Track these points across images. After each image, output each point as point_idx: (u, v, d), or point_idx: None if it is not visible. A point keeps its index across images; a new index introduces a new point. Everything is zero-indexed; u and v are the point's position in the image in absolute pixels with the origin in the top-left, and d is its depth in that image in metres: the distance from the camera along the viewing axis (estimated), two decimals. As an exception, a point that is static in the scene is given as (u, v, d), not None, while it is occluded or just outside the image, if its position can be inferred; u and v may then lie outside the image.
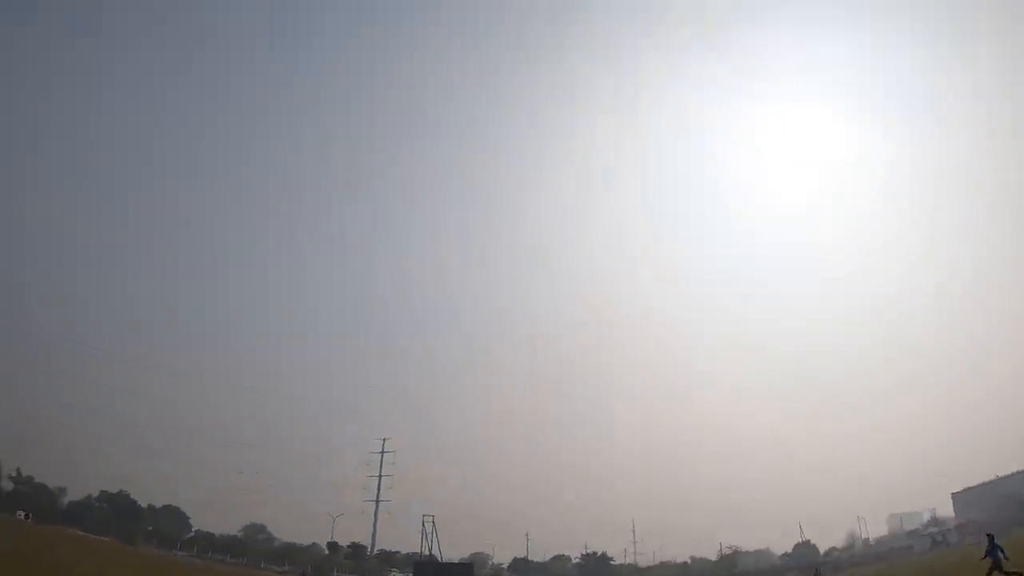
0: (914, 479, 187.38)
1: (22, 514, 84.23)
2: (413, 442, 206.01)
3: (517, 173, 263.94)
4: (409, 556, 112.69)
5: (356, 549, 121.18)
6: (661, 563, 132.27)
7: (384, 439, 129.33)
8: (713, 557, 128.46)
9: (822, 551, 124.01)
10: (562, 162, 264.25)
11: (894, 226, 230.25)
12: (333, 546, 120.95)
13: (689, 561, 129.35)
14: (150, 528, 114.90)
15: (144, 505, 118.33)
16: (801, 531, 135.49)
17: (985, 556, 24.55)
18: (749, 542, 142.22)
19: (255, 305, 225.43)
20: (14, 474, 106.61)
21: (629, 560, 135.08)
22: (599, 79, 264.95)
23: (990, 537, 25.07)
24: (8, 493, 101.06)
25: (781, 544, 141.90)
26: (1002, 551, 23.86)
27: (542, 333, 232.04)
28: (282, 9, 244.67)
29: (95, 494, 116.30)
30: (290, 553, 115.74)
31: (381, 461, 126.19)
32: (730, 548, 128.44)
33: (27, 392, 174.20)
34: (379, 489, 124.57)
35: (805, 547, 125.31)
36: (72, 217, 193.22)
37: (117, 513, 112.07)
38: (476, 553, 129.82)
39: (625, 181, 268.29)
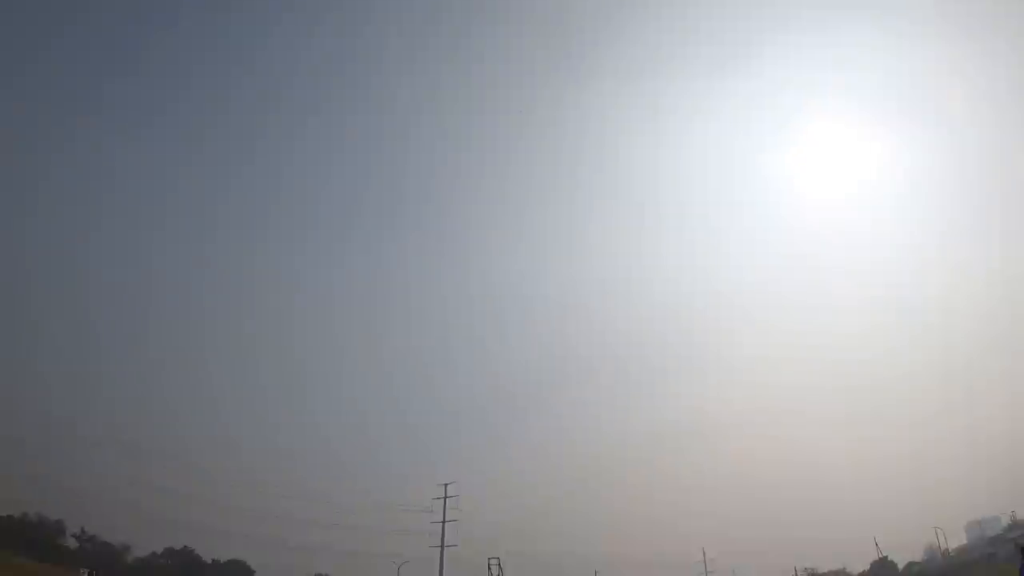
0: (990, 481, 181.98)
1: (86, 572, 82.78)
2: (476, 485, 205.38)
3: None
4: None
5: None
6: None
7: (446, 484, 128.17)
8: None
9: (900, 566, 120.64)
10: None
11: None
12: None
13: None
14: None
15: (209, 560, 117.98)
16: (878, 547, 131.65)
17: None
18: (825, 562, 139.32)
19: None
20: (78, 532, 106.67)
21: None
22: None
23: (1022, 550, 22.99)
24: (72, 551, 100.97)
25: (858, 563, 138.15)
26: None
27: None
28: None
29: (159, 550, 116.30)
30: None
31: (444, 506, 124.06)
32: (807, 571, 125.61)
33: (89, 451, 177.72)
34: (443, 534, 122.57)
35: (883, 564, 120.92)
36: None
37: (182, 569, 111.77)
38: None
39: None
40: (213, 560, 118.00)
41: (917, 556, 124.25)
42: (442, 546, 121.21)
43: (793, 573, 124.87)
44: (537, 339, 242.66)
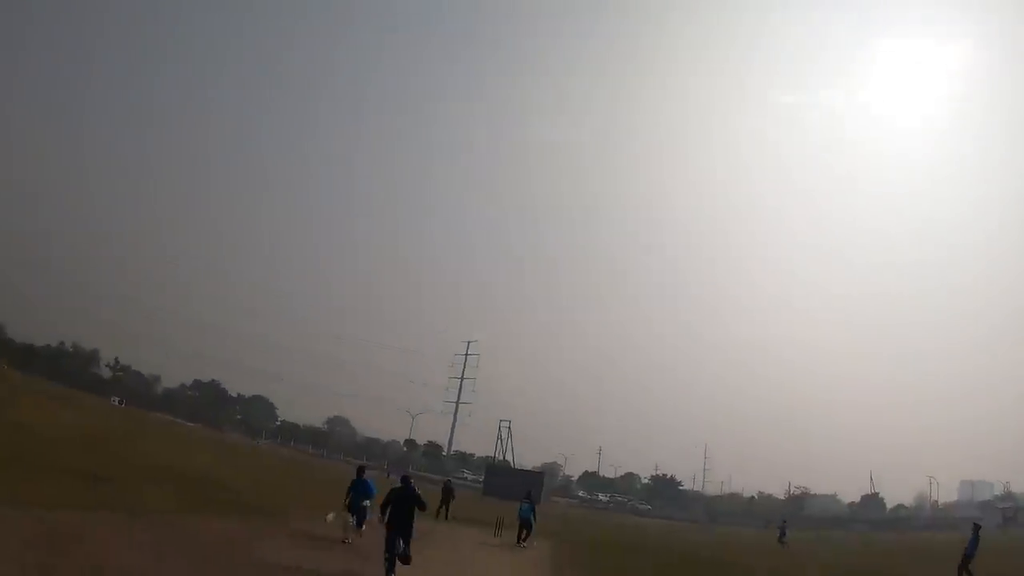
0: (991, 447, 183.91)
1: (116, 400, 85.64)
2: (496, 347, 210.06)
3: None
4: (483, 459, 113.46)
5: (433, 448, 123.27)
6: (729, 494, 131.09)
7: (469, 342, 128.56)
8: (781, 495, 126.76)
9: (889, 506, 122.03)
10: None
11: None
12: (411, 444, 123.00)
13: (756, 496, 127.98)
14: (239, 416, 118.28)
15: (234, 394, 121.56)
16: (872, 482, 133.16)
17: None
18: (818, 485, 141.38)
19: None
20: (111, 362, 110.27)
21: (697, 486, 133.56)
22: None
23: (976, 528, 20.12)
24: (106, 380, 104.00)
25: (849, 493, 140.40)
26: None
27: (620, 251, 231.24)
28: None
29: (188, 383, 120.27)
30: (370, 447, 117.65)
31: (464, 363, 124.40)
32: (799, 489, 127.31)
33: (127, 284, 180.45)
34: (460, 391, 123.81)
35: (873, 499, 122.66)
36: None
37: (208, 401, 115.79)
38: (548, 463, 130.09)
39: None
40: (238, 394, 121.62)
41: (908, 500, 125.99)
42: (457, 402, 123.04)
43: (787, 487, 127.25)
44: (572, 220, 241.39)
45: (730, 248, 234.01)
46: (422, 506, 12.12)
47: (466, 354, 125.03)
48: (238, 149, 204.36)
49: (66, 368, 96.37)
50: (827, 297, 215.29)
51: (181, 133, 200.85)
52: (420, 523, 12.88)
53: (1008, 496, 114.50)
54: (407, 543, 11.87)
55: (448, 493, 28.31)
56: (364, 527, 15.35)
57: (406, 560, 11.72)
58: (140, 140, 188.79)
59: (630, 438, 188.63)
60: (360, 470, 16.73)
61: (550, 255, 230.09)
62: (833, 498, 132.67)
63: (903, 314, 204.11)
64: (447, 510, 27.46)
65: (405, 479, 12.54)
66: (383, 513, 11.99)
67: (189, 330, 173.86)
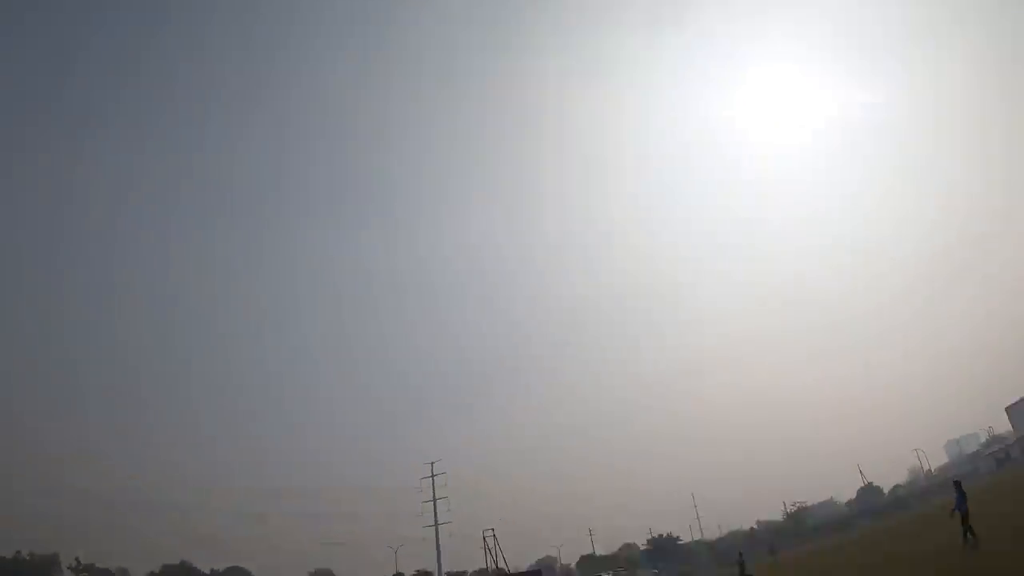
0: (965, 401, 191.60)
1: None
2: (463, 458, 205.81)
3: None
4: (477, 574, 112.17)
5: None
6: (729, 532, 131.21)
7: (432, 463, 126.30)
8: (780, 518, 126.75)
9: (886, 490, 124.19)
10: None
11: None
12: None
13: (756, 526, 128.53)
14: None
15: (207, 571, 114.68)
16: (862, 475, 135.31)
17: (954, 510, 19.31)
18: (814, 496, 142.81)
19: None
20: (73, 563, 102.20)
21: (695, 536, 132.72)
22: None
23: (957, 485, 20.31)
24: None
25: (845, 492, 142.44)
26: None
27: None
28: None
29: (156, 569, 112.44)
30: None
31: (433, 485, 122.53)
32: (795, 505, 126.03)
33: (76, 481, 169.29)
34: (435, 513, 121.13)
35: (869, 490, 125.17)
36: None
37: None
38: (542, 558, 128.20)
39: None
40: (212, 570, 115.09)
41: (901, 479, 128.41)
42: (436, 524, 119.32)
43: (782, 507, 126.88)
44: (498, 313, 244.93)
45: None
46: None
47: (432, 475, 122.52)
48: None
49: None
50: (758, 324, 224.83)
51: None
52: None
53: (994, 439, 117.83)
54: None
55: None
56: None
57: None
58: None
59: (618, 511, 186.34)
60: None
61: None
62: (831, 502, 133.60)
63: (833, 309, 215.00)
64: None
65: None
66: None
67: (146, 513, 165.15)
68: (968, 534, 17.95)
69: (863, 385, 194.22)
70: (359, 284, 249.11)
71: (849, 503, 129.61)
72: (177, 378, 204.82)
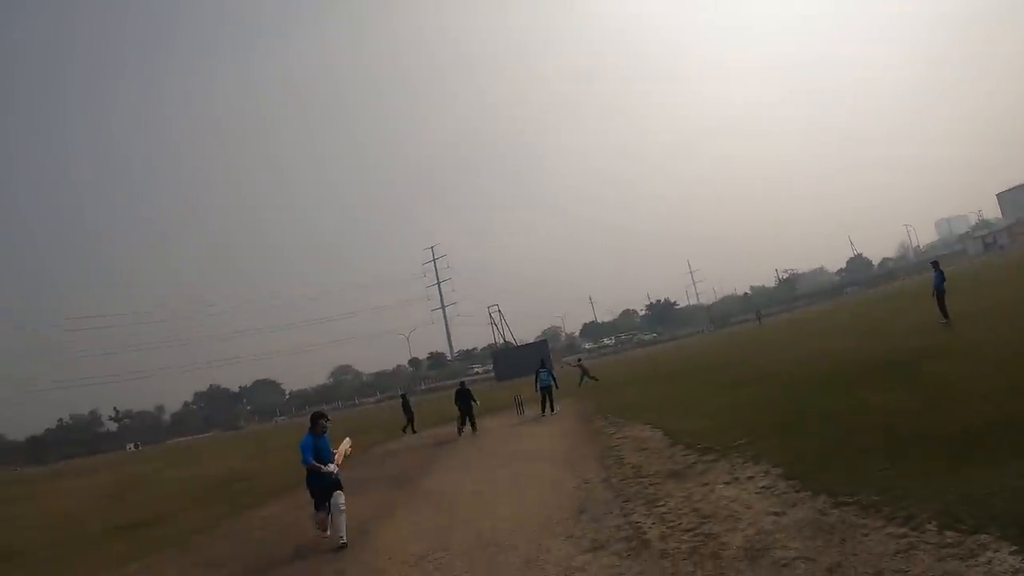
0: (958, 182, 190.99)
1: (131, 446, 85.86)
2: (461, 239, 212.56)
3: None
4: (486, 349, 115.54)
5: (436, 357, 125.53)
6: (723, 298, 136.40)
7: (433, 247, 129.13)
8: (772, 284, 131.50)
9: (875, 263, 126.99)
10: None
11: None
12: (415, 362, 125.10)
13: (749, 291, 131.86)
14: (249, 407, 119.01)
15: (236, 389, 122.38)
16: (852, 245, 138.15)
17: (934, 289, 19.16)
18: (805, 264, 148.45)
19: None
20: (113, 414, 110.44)
21: (692, 300, 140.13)
22: None
23: (935, 265, 19.91)
24: (115, 433, 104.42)
25: (835, 261, 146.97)
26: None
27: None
28: None
29: (189, 398, 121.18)
30: (379, 381, 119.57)
31: (436, 268, 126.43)
32: (787, 272, 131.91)
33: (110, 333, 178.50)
34: (441, 295, 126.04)
35: (858, 260, 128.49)
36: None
37: (215, 407, 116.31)
38: (547, 329, 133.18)
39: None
40: (240, 387, 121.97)
41: (890, 253, 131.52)
42: (442, 306, 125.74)
43: (776, 274, 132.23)
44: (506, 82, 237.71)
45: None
46: (473, 397, 21.33)
47: (434, 259, 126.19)
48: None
49: (76, 440, 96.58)
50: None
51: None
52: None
53: (983, 223, 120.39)
54: (472, 417, 21.12)
55: (406, 406, 26.02)
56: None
57: (473, 426, 21.03)
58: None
59: (616, 278, 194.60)
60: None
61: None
62: (821, 271, 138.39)
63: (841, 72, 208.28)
64: (411, 424, 25.40)
65: (463, 382, 23.66)
66: (456, 403, 21.30)
67: (174, 349, 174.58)
68: (944, 314, 18.12)
69: (857, 162, 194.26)
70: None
71: (839, 272, 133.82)
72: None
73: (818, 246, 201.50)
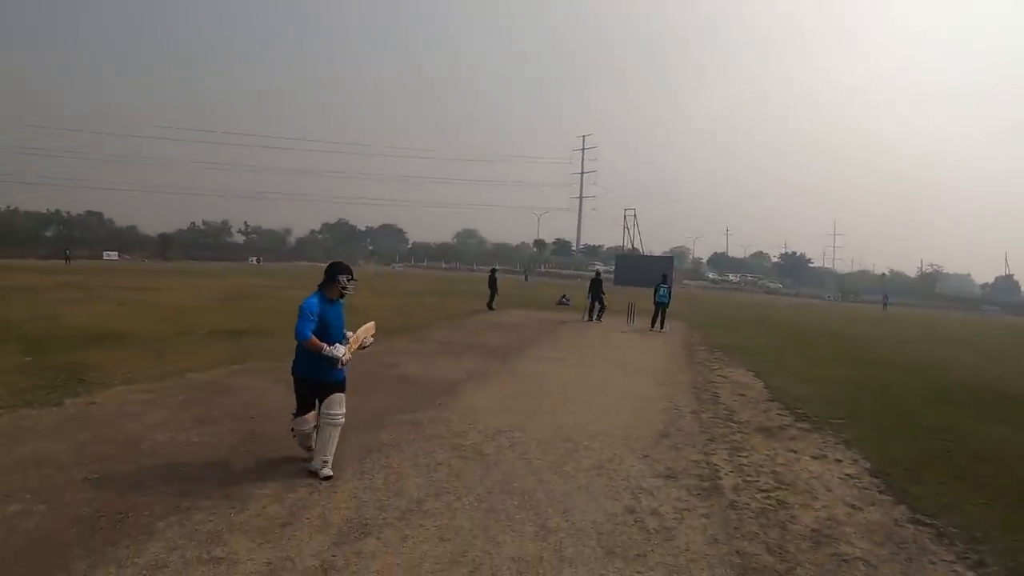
0: None
1: (253, 259, 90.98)
2: (614, 136, 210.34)
3: None
4: (612, 250, 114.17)
5: (561, 245, 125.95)
6: (860, 271, 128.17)
7: (585, 136, 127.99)
8: (912, 273, 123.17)
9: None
10: None
11: None
12: (540, 243, 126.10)
13: (887, 273, 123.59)
14: (371, 248, 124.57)
15: (362, 228, 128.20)
16: (1007, 263, 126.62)
17: None
18: (950, 265, 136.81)
19: None
20: (243, 227, 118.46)
21: (827, 264, 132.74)
22: None
23: None
24: (240, 245, 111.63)
25: (983, 274, 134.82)
26: None
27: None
28: None
29: (317, 227, 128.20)
30: (500, 253, 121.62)
31: (583, 158, 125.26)
32: (931, 266, 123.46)
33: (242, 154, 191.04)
34: (582, 185, 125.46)
35: (1006, 281, 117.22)
36: None
37: (339, 240, 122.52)
38: (676, 247, 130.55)
39: None
40: (367, 227, 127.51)
41: None
42: (580, 196, 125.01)
43: (919, 265, 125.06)
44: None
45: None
46: (603, 290, 23.35)
47: (583, 148, 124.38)
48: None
49: (202, 245, 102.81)
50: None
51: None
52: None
53: None
54: (601, 305, 23.09)
55: (492, 281, 26.67)
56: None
57: (601, 312, 23.26)
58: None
59: (758, 217, 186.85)
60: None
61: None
62: (966, 278, 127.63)
63: None
64: (493, 300, 26.02)
65: (598, 272, 25.56)
66: (589, 292, 23.32)
67: (310, 179, 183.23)
68: None
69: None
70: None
71: (984, 287, 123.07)
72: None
73: (971, 252, 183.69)
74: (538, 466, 6.13)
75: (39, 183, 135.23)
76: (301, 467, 5.69)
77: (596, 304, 23.15)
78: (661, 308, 21.69)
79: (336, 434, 5.58)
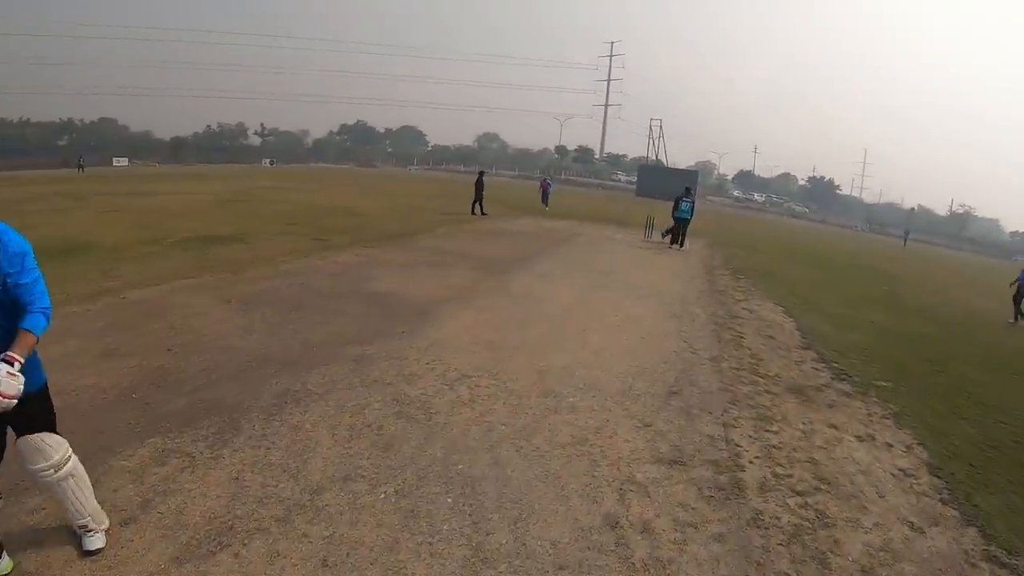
0: None
1: (267, 161, 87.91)
2: (644, 44, 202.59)
3: None
4: (635, 160, 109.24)
5: (584, 152, 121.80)
6: (887, 203, 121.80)
7: (613, 42, 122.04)
8: (942, 212, 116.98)
9: None
10: None
11: None
12: (561, 150, 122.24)
13: (916, 209, 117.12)
14: (389, 150, 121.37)
15: (381, 130, 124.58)
16: None
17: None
18: (982, 208, 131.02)
19: None
20: (259, 129, 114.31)
21: (855, 192, 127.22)
22: None
23: None
24: (257, 147, 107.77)
25: (1014, 222, 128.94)
26: None
27: None
28: None
29: (335, 128, 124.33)
30: (521, 159, 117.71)
31: (610, 65, 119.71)
32: (963, 207, 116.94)
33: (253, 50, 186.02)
34: (607, 93, 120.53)
35: None
36: None
37: (356, 141, 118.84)
38: (702, 162, 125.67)
39: None
40: (386, 129, 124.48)
41: None
42: (606, 104, 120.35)
43: (950, 204, 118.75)
44: None
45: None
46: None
47: (610, 55, 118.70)
48: None
49: (217, 147, 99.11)
50: None
51: None
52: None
53: None
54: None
55: (479, 184, 24.78)
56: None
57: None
58: None
59: (787, 137, 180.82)
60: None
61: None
62: (996, 224, 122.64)
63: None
64: (479, 204, 24.39)
65: (688, 189, 20.75)
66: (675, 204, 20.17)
67: (326, 79, 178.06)
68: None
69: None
70: None
71: (1013, 235, 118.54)
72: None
73: (1006, 201, 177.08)
74: (499, 436, 4.67)
75: (50, 92, 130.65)
76: (194, 424, 4.36)
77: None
78: (682, 224, 20.05)
79: (72, 485, 3.00)
